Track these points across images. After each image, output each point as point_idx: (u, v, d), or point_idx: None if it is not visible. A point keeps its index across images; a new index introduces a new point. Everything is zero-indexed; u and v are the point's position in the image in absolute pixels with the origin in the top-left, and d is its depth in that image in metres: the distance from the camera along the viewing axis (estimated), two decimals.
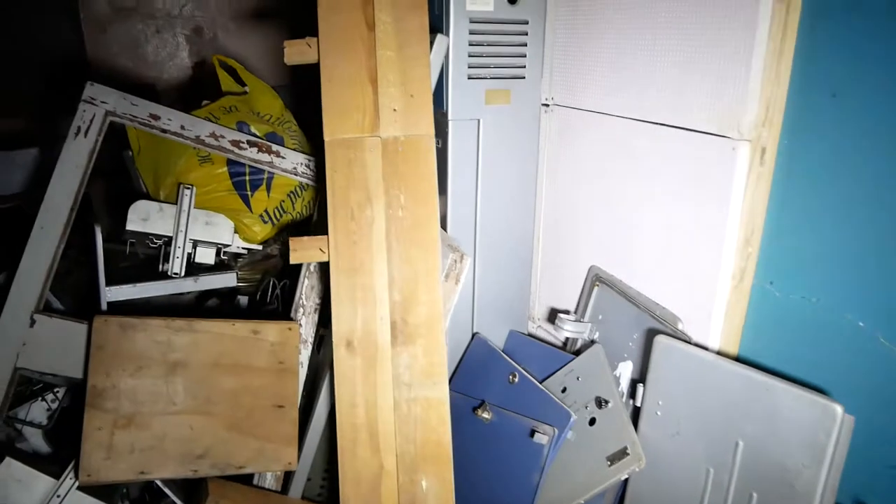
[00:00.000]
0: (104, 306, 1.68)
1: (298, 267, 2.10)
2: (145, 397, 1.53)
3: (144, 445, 1.51)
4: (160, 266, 1.96)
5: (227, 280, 1.90)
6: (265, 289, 2.15)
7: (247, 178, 1.87)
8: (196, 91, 3.64)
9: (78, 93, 1.73)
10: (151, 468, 1.51)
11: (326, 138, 1.49)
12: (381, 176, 1.48)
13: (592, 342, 1.83)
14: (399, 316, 1.47)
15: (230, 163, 1.87)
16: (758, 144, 1.44)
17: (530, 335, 2.16)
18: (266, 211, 1.89)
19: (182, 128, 1.78)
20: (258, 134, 1.92)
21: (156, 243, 1.94)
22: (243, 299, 2.10)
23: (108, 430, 1.48)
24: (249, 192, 1.87)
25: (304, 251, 1.49)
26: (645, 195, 1.71)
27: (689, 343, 1.55)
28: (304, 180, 1.91)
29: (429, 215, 1.48)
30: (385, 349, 1.46)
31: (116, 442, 1.49)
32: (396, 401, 1.45)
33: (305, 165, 1.90)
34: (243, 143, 1.84)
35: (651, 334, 1.61)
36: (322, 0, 1.51)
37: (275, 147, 1.87)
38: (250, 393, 1.62)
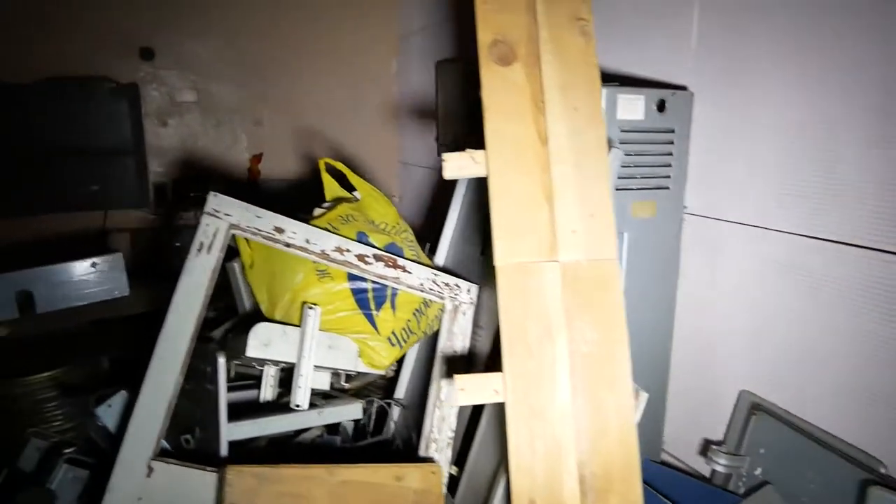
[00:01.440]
0: (224, 448, 1.47)
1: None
2: None
3: None
4: (261, 392, 1.76)
5: (353, 412, 1.69)
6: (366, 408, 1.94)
7: (370, 294, 1.70)
8: (253, 184, 3.54)
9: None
10: None
11: (499, 263, 1.33)
12: (562, 306, 1.31)
13: (764, 483, 1.62)
14: (588, 469, 1.27)
15: (351, 278, 1.70)
16: None
17: (663, 463, 1.94)
18: (393, 332, 1.71)
19: (307, 241, 1.62)
20: (378, 245, 1.76)
21: (260, 367, 1.75)
22: (348, 425, 1.88)
23: None
24: (375, 311, 1.69)
25: (475, 392, 1.30)
26: (823, 320, 1.54)
27: None
28: (431, 297, 1.74)
29: (618, 350, 1.31)
30: None
31: None
32: None
33: (432, 281, 1.73)
34: (369, 257, 1.68)
35: (862, 486, 1.40)
36: (490, 112, 1.38)
37: (401, 261, 1.71)
38: None
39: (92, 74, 3.19)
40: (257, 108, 3.54)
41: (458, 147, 1.43)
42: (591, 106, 1.40)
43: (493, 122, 1.39)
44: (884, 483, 1.38)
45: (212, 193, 1.57)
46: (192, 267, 1.50)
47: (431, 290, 1.73)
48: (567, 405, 1.29)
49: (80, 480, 1.57)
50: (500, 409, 1.34)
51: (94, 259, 2.09)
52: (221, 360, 1.48)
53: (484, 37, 1.42)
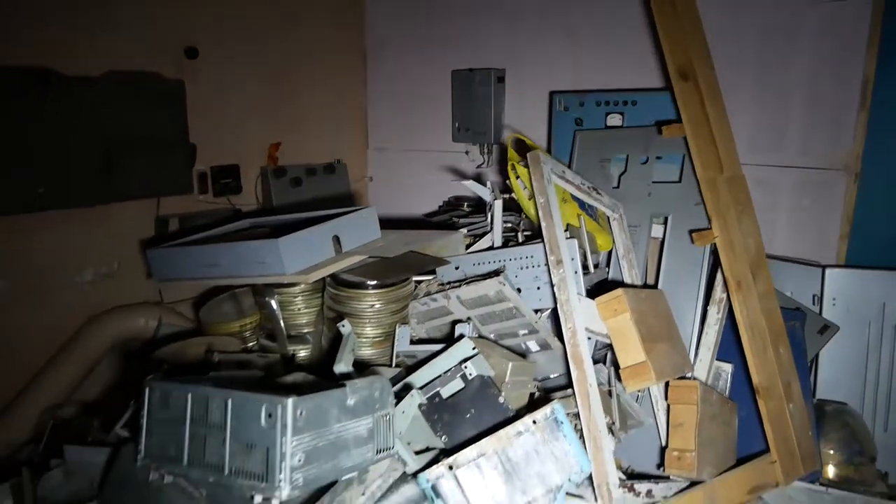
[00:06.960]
0: None
1: None
2: None
3: None
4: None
5: None
6: None
7: (589, 210, 2.92)
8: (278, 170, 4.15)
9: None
10: None
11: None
12: (731, 197, 2.80)
13: None
14: None
15: (576, 200, 2.90)
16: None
17: None
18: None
19: (573, 178, 2.80)
20: None
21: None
22: None
23: None
24: (595, 217, 2.92)
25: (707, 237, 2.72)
26: None
27: None
28: (609, 211, 3.04)
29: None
30: None
31: None
32: None
33: (609, 200, 3.03)
34: (592, 188, 2.92)
35: None
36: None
37: (600, 190, 2.98)
38: None
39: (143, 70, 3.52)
40: (273, 105, 4.16)
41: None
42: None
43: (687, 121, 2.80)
44: None
45: (538, 152, 2.64)
46: (552, 191, 2.57)
47: (610, 207, 3.02)
48: None
49: None
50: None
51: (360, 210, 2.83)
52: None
53: (674, 65, 2.81)
